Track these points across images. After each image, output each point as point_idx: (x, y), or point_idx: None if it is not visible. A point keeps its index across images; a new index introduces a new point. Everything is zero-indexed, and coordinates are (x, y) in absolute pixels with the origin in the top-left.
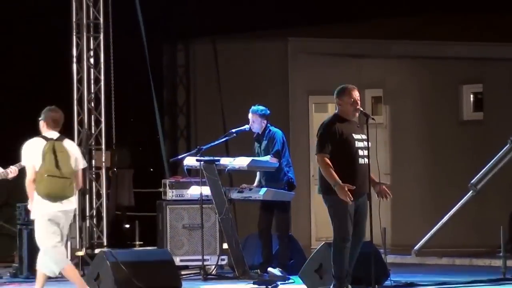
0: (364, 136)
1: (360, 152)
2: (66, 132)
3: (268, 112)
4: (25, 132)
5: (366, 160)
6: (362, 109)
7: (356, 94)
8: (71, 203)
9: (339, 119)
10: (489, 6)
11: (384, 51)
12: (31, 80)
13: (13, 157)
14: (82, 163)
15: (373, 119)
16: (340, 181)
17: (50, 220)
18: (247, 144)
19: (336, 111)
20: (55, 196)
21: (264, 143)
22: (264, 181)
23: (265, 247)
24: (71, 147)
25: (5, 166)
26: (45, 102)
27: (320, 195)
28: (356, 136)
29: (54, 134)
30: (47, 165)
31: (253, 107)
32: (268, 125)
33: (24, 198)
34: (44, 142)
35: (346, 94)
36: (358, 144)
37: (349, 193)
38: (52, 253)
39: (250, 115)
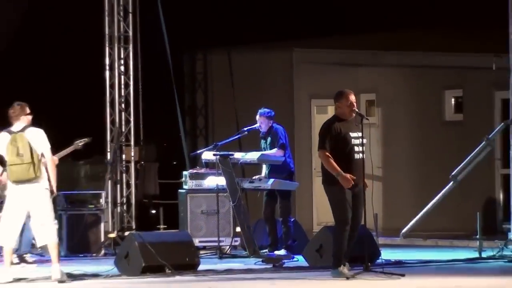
0: (359, 134)
1: (356, 148)
2: (100, 130)
3: (273, 113)
4: (65, 130)
5: (361, 155)
6: (357, 110)
7: (352, 97)
8: (36, 184)
9: (337, 119)
10: (468, 22)
11: (377, 60)
12: (70, 85)
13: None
14: (43, 148)
15: (367, 119)
16: (342, 171)
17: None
18: (257, 140)
19: (335, 112)
20: (18, 181)
21: (269, 139)
22: (268, 172)
23: (272, 230)
24: (33, 135)
25: None
26: (82, 105)
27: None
28: (352, 134)
29: (19, 126)
30: (9, 155)
31: (260, 110)
32: (273, 124)
33: (64, 186)
34: (8, 135)
35: (344, 98)
36: (354, 141)
37: (350, 179)
38: None
39: (258, 117)
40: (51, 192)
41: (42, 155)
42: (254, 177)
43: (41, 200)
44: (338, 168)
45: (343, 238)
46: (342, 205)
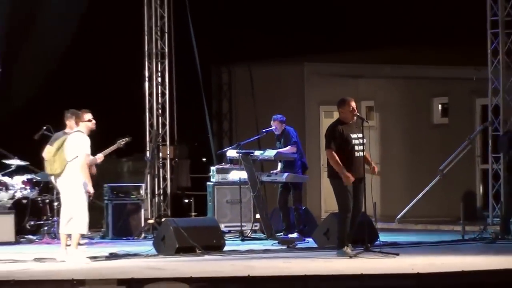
0: (360, 135)
1: (356, 148)
2: (140, 132)
3: (285, 118)
4: (111, 132)
5: (361, 153)
6: (358, 114)
7: (353, 103)
8: (63, 179)
9: (340, 123)
10: (453, 39)
11: (375, 72)
12: (116, 94)
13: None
14: (78, 151)
15: (367, 121)
16: (345, 170)
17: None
18: (274, 140)
19: (339, 116)
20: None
21: (282, 139)
22: (283, 168)
23: (285, 217)
24: (73, 140)
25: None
26: (126, 110)
27: (328, 179)
28: (353, 136)
29: (72, 130)
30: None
31: (274, 116)
32: (286, 126)
33: (110, 179)
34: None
35: (346, 104)
36: (355, 141)
37: (351, 177)
38: None
39: (272, 122)
40: (87, 192)
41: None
42: (271, 172)
43: (68, 194)
44: (342, 166)
45: (346, 223)
46: (344, 195)
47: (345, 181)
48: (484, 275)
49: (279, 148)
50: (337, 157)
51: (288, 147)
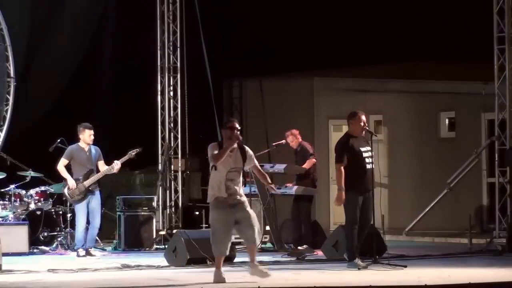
0: (369, 148)
1: (367, 160)
2: (153, 145)
3: (298, 131)
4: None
5: (371, 166)
6: (368, 128)
7: (363, 117)
8: None
9: (350, 136)
10: (461, 55)
11: (384, 87)
12: (129, 107)
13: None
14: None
15: (376, 135)
16: (344, 187)
17: None
18: (284, 153)
19: (348, 130)
20: None
21: (299, 155)
22: (296, 181)
23: (296, 229)
24: None
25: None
26: (139, 123)
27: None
28: (363, 149)
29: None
30: None
31: (287, 132)
32: (300, 141)
33: (122, 191)
34: None
35: (356, 118)
36: (365, 154)
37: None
38: None
39: (289, 137)
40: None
41: None
42: (286, 185)
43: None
44: (342, 184)
45: (353, 234)
46: (353, 207)
47: (336, 200)
48: (491, 287)
49: (296, 162)
50: (343, 174)
51: (307, 162)
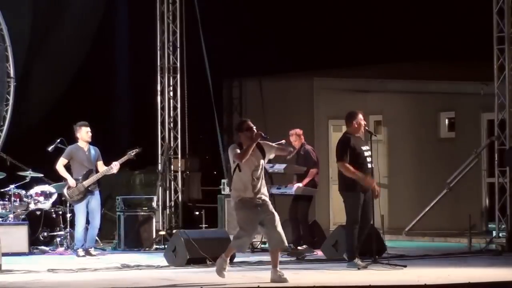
0: (368, 147)
1: (368, 159)
2: (152, 145)
3: (302, 131)
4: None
5: (371, 165)
6: (367, 128)
7: (361, 116)
8: None
9: (350, 136)
10: (460, 55)
11: (383, 87)
12: (129, 108)
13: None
14: None
15: (375, 135)
16: (361, 174)
17: None
18: None
19: (347, 130)
20: None
21: (301, 157)
22: (296, 181)
23: (295, 228)
24: None
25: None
26: (138, 124)
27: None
28: (363, 148)
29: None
30: None
31: (291, 131)
32: (304, 141)
33: (122, 191)
34: None
35: (355, 117)
36: (365, 153)
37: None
38: None
39: (292, 137)
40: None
41: None
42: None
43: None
44: (358, 173)
45: (354, 234)
46: (355, 208)
47: (368, 183)
48: (491, 287)
49: (296, 162)
50: (351, 167)
51: (309, 172)
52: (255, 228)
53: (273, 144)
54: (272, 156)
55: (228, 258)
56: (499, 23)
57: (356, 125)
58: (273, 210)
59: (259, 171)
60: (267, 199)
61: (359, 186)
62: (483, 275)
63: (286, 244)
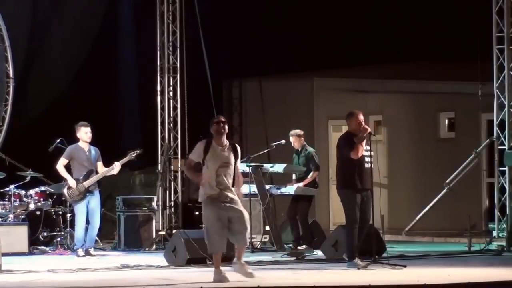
0: (367, 147)
1: (366, 159)
2: (152, 145)
3: (302, 132)
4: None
5: (369, 164)
6: (368, 128)
7: (361, 116)
8: None
9: (350, 135)
10: (459, 55)
11: (383, 87)
12: (129, 108)
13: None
14: None
15: (374, 135)
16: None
17: None
18: (283, 153)
19: (348, 129)
20: None
21: (302, 158)
22: (296, 181)
23: (294, 229)
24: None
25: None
26: (138, 124)
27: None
28: (364, 148)
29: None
30: None
31: (291, 132)
32: (305, 143)
33: (122, 191)
34: None
35: (354, 117)
36: (364, 153)
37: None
38: None
39: (292, 137)
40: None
41: None
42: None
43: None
44: (360, 139)
45: (353, 234)
46: (352, 206)
47: (365, 132)
48: (491, 287)
49: (296, 163)
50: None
51: (311, 173)
52: (224, 225)
53: (239, 162)
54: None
55: (220, 267)
56: (498, 23)
57: (357, 125)
58: (242, 209)
59: (226, 168)
60: (236, 197)
61: (355, 185)
62: (483, 275)
63: (248, 242)
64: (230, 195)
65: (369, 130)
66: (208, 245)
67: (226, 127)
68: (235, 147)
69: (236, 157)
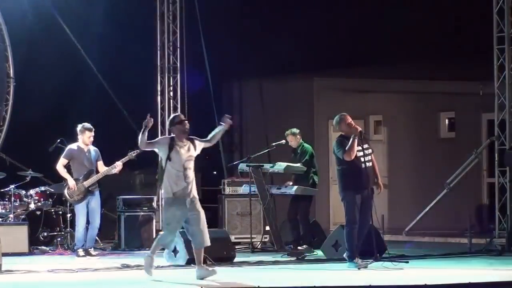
0: (365, 146)
1: (361, 159)
2: None
3: (298, 130)
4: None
5: (368, 164)
6: (357, 127)
7: (348, 118)
8: None
9: (344, 137)
10: (460, 55)
11: (383, 87)
12: (129, 108)
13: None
14: None
15: (367, 134)
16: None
17: None
18: (284, 153)
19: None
20: None
21: (298, 154)
22: (294, 181)
23: (295, 229)
24: None
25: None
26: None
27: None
28: (357, 148)
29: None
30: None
31: (287, 132)
32: (302, 141)
33: (122, 191)
34: None
35: (342, 120)
36: (359, 153)
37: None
38: None
39: (288, 137)
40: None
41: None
42: (285, 184)
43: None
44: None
45: (353, 234)
46: (351, 207)
47: (355, 131)
48: (491, 287)
49: (294, 162)
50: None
51: (299, 164)
52: (179, 226)
53: (200, 140)
54: (199, 151)
55: (155, 255)
56: (499, 23)
57: (347, 127)
58: (200, 209)
59: (191, 162)
60: (196, 195)
61: (354, 186)
62: (484, 275)
63: (209, 243)
64: (193, 192)
65: (360, 129)
66: (160, 236)
67: (188, 125)
68: (192, 140)
69: (195, 147)
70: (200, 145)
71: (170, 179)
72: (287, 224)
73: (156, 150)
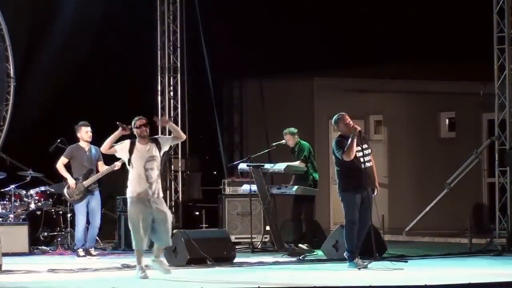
0: (365, 146)
1: (361, 159)
2: None
3: (296, 130)
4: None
5: (366, 164)
6: (356, 126)
7: (347, 118)
8: None
9: (343, 137)
10: (460, 55)
11: (384, 87)
12: (129, 107)
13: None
14: None
15: (364, 133)
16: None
17: None
18: (284, 153)
19: (340, 132)
20: None
21: (296, 152)
22: (294, 181)
23: (296, 229)
24: None
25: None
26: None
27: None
28: (356, 148)
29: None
30: None
31: (285, 130)
32: (299, 139)
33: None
34: None
35: (341, 120)
36: (358, 154)
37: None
38: None
39: (284, 136)
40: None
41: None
42: (281, 185)
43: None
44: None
45: (353, 235)
46: (350, 208)
47: (354, 130)
48: (491, 287)
49: (293, 160)
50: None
51: (298, 162)
52: (148, 226)
53: (169, 136)
54: (167, 147)
55: (143, 264)
56: (499, 23)
57: (345, 126)
58: (166, 210)
59: (154, 162)
60: (161, 195)
61: (353, 186)
62: (484, 275)
63: (171, 243)
64: (156, 192)
65: (359, 128)
66: (133, 242)
67: (148, 129)
68: (155, 139)
69: (159, 147)
70: (166, 143)
71: (133, 181)
72: (289, 223)
73: (116, 155)
